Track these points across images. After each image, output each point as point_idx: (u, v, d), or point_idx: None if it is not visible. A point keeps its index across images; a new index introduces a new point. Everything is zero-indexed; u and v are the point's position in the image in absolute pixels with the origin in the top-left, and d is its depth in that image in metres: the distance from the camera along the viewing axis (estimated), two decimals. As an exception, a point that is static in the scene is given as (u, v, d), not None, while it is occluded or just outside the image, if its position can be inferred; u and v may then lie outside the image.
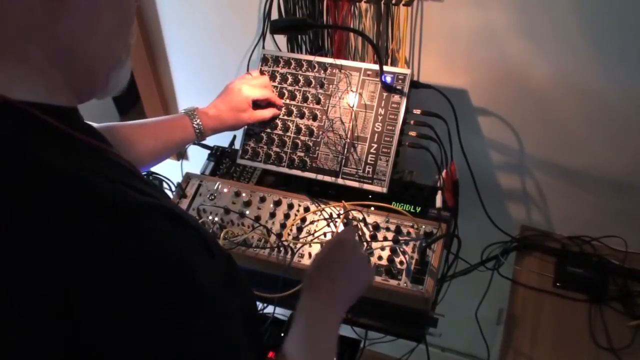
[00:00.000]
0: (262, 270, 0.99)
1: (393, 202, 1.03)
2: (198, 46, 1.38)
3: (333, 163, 1.04)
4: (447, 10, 1.04)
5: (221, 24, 1.31)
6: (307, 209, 1.02)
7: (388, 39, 1.09)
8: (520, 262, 1.23)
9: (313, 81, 1.08)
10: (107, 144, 0.57)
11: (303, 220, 1.01)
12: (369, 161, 1.02)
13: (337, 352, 0.65)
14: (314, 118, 1.07)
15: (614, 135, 1.09)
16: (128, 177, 0.51)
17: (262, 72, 1.10)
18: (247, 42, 1.28)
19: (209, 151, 1.23)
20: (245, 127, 1.09)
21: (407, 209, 1.03)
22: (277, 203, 1.04)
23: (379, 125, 1.02)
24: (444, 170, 1.02)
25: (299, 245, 0.98)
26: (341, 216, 1.01)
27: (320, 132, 1.06)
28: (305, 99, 1.08)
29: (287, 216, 1.02)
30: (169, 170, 1.14)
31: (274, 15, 1.15)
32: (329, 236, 0.99)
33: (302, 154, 1.06)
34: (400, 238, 0.96)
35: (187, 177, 1.11)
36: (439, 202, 1.01)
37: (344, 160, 1.04)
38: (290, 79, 1.09)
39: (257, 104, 1.06)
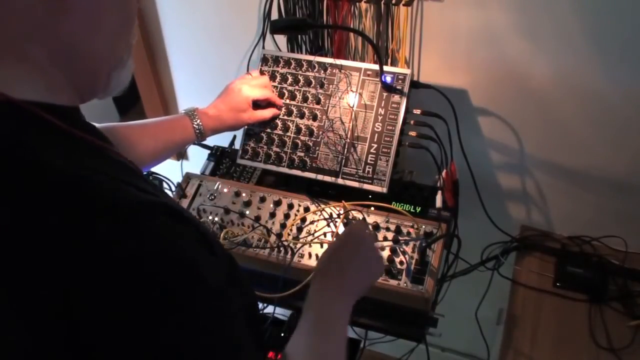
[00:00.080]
0: (262, 270, 0.99)
1: (393, 202, 1.03)
2: (198, 46, 1.38)
3: (333, 163, 1.04)
4: (447, 10, 1.04)
5: (221, 24, 1.31)
6: (307, 209, 1.02)
7: (388, 39, 1.09)
8: (520, 262, 1.23)
9: (313, 81, 1.08)
10: (109, 143, 0.57)
11: (303, 220, 1.01)
12: (369, 161, 1.02)
13: (346, 343, 0.64)
14: (314, 118, 1.07)
15: (614, 135, 1.09)
16: (130, 176, 0.51)
17: (262, 72, 1.10)
18: (247, 42, 1.28)
19: (209, 151, 1.23)
20: (245, 127, 1.09)
21: (407, 209, 1.03)
22: (277, 203, 1.04)
23: (379, 125, 1.02)
24: (444, 170, 1.02)
25: (299, 245, 0.98)
26: (341, 216, 1.01)
27: (320, 132, 1.06)
28: (305, 99, 1.08)
29: (287, 216, 1.02)
30: (169, 170, 1.14)
31: (274, 15, 1.15)
32: (329, 236, 0.99)
33: (302, 154, 1.06)
34: (400, 238, 0.96)
35: (187, 177, 1.11)
36: (439, 202, 1.01)
37: (344, 160, 1.04)
38: (290, 79, 1.09)
39: (257, 104, 1.06)
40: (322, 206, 1.02)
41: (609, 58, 0.99)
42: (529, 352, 1.06)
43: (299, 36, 1.16)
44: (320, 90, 1.07)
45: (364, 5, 1.06)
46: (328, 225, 1.00)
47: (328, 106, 1.06)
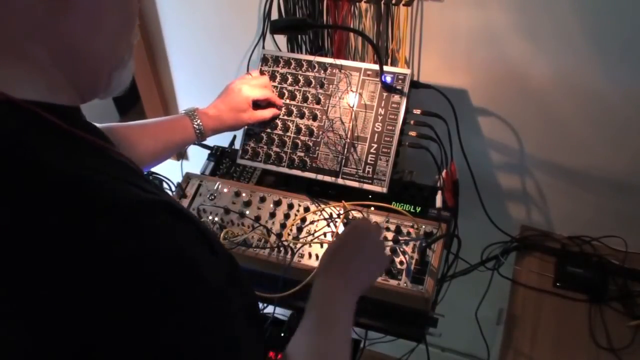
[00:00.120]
0: (262, 270, 0.99)
1: (393, 202, 1.03)
2: (198, 46, 1.39)
3: (333, 163, 1.04)
4: (447, 10, 1.04)
5: (221, 24, 1.31)
6: (307, 209, 1.02)
7: (388, 39, 1.09)
8: (520, 262, 1.23)
9: (313, 81, 1.08)
10: (110, 143, 0.57)
11: (303, 220, 1.01)
12: (369, 161, 1.02)
13: (350, 339, 0.64)
14: (314, 118, 1.07)
15: (614, 135, 1.09)
16: (131, 176, 0.51)
17: (262, 72, 1.10)
18: (247, 42, 1.28)
19: (209, 151, 1.23)
20: (245, 127, 1.09)
21: (407, 209, 1.03)
22: (277, 203, 1.04)
23: (379, 125, 1.02)
24: (444, 170, 1.02)
25: (299, 245, 0.98)
26: (341, 216, 1.01)
27: (320, 132, 1.06)
28: (305, 99, 1.08)
29: (287, 216, 1.02)
30: (169, 170, 1.14)
31: (274, 15, 1.15)
32: (329, 236, 0.99)
33: (302, 154, 1.06)
34: (400, 238, 0.96)
35: (187, 177, 1.11)
36: (439, 202, 1.01)
37: (344, 160, 1.04)
38: (290, 79, 1.09)
39: (257, 104, 1.06)
40: (322, 206, 1.02)
41: (609, 58, 0.99)
42: (529, 352, 1.06)
43: (299, 36, 1.16)
44: (320, 90, 1.07)
45: (364, 5, 1.06)
46: (328, 225, 1.00)
47: (328, 106, 1.06)
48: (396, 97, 1.02)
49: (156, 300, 0.42)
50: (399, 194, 1.06)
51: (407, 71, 1.02)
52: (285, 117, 1.08)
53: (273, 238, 0.99)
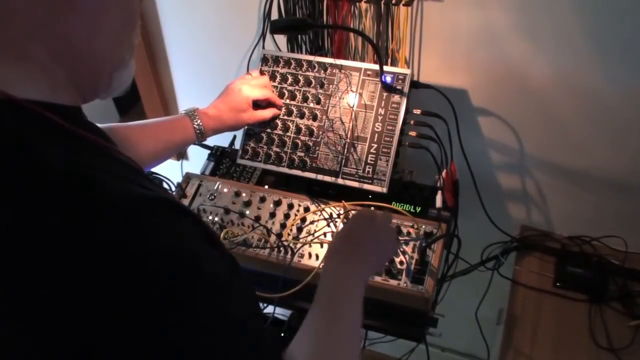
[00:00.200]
0: (262, 270, 0.99)
1: (393, 202, 1.03)
2: (198, 46, 1.39)
3: (333, 163, 1.04)
4: (447, 10, 1.04)
5: (221, 24, 1.31)
6: (307, 209, 1.02)
7: (388, 39, 1.09)
8: (520, 262, 1.23)
9: (313, 81, 1.08)
10: (112, 142, 0.57)
11: (303, 220, 1.01)
12: (369, 161, 1.02)
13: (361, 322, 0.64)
14: (314, 118, 1.07)
15: (614, 135, 1.09)
16: (133, 175, 0.51)
17: (262, 72, 1.10)
18: (247, 42, 1.28)
19: (209, 151, 1.23)
20: (246, 127, 1.09)
21: (407, 209, 1.03)
22: (277, 203, 1.04)
23: (379, 125, 1.02)
24: (444, 170, 1.02)
25: (299, 245, 0.98)
26: (341, 216, 1.01)
27: (320, 132, 1.06)
28: (305, 99, 1.08)
29: (287, 216, 1.02)
30: (169, 170, 1.14)
31: (274, 15, 1.15)
32: (329, 236, 0.99)
33: (302, 154, 1.06)
34: (400, 238, 0.96)
35: (187, 177, 1.11)
36: (439, 202, 1.01)
37: (344, 160, 1.04)
38: (290, 79, 1.09)
39: (257, 104, 1.06)
40: (322, 206, 1.02)
41: (609, 58, 0.99)
42: (529, 352, 1.06)
43: (299, 36, 1.16)
44: (320, 90, 1.07)
45: (364, 5, 1.06)
46: (328, 225, 1.00)
47: (328, 106, 1.06)
48: (396, 97, 1.02)
49: (156, 299, 0.42)
50: (399, 194, 1.06)
51: (407, 71, 1.02)
52: (285, 117, 1.09)
53: (273, 238, 0.99)
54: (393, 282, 0.92)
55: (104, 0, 0.50)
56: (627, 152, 1.10)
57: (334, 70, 1.07)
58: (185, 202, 1.07)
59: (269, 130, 1.09)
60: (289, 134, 1.08)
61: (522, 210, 1.31)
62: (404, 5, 1.02)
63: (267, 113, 1.07)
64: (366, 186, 1.02)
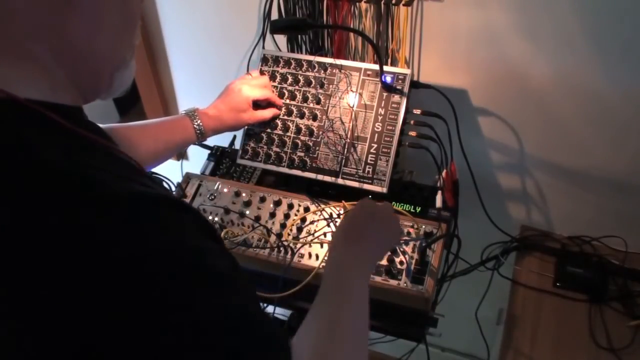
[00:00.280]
0: (262, 270, 0.99)
1: (393, 202, 1.03)
2: (198, 46, 1.39)
3: (333, 163, 1.04)
4: (447, 10, 1.04)
5: (221, 24, 1.31)
6: (307, 209, 1.02)
7: (388, 39, 1.09)
8: (520, 262, 1.23)
9: (313, 81, 1.08)
10: (112, 142, 0.57)
11: (303, 220, 1.01)
12: (369, 161, 1.02)
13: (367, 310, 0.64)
14: (314, 118, 1.07)
15: (614, 135, 1.09)
16: (134, 174, 0.51)
17: (262, 72, 1.10)
18: (247, 42, 1.28)
19: (209, 151, 1.23)
20: (246, 127, 1.09)
21: (407, 209, 1.03)
22: (277, 203, 1.04)
23: (379, 125, 1.02)
24: (444, 170, 1.02)
25: (299, 245, 0.98)
26: (341, 216, 1.01)
27: (320, 132, 1.06)
28: (305, 99, 1.08)
29: (287, 216, 1.02)
30: (169, 170, 1.14)
31: (274, 15, 1.15)
32: (329, 236, 0.99)
33: (302, 154, 1.06)
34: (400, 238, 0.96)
35: (187, 177, 1.11)
36: (439, 202, 1.01)
37: (344, 160, 1.04)
38: (290, 79, 1.09)
39: (257, 104, 1.06)
40: (322, 206, 1.02)
41: (609, 58, 0.99)
42: (529, 352, 1.06)
43: (299, 36, 1.16)
44: (320, 90, 1.07)
45: (364, 5, 1.06)
46: (328, 225, 1.00)
47: (328, 106, 1.06)
48: (396, 97, 1.02)
49: (157, 299, 0.41)
50: (399, 194, 1.06)
51: (407, 71, 1.02)
52: (285, 117, 1.09)
53: (273, 238, 0.99)
54: (393, 282, 0.92)
55: (104, 0, 0.50)
56: (627, 152, 1.11)
57: (334, 70, 1.07)
58: (186, 202, 1.07)
59: (269, 130, 1.09)
60: (289, 134, 1.08)
61: (522, 210, 1.31)
62: (404, 5, 1.02)
63: (267, 113, 1.07)
64: (366, 186, 1.02)
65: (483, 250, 1.25)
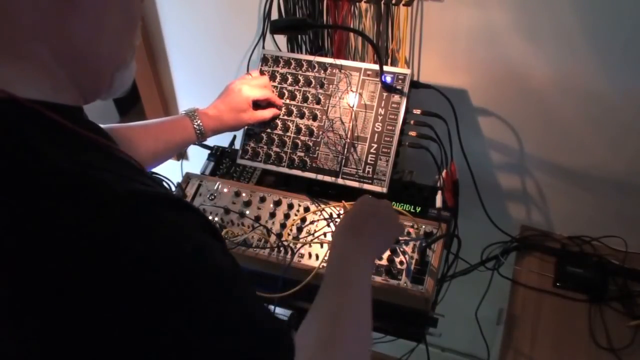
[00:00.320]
0: (262, 270, 0.99)
1: (393, 202, 1.03)
2: (198, 46, 1.39)
3: (333, 163, 1.04)
4: (447, 10, 1.04)
5: (221, 24, 1.31)
6: (307, 209, 1.02)
7: (388, 39, 1.09)
8: (520, 262, 1.23)
9: (313, 81, 1.08)
10: (113, 142, 0.57)
11: (303, 220, 1.01)
12: (369, 161, 1.02)
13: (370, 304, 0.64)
14: (314, 118, 1.07)
15: (614, 136, 1.09)
16: (135, 174, 0.51)
17: (262, 72, 1.10)
18: (247, 42, 1.28)
19: (209, 151, 1.23)
20: (246, 127, 1.09)
21: (407, 209, 1.03)
22: (277, 203, 1.04)
23: (379, 125, 1.02)
24: (444, 170, 1.02)
25: (299, 245, 0.98)
26: (341, 216, 1.01)
27: (320, 132, 1.06)
28: (305, 99, 1.08)
29: (287, 216, 1.02)
30: (169, 170, 1.14)
31: (274, 15, 1.15)
32: (329, 236, 0.99)
33: (302, 154, 1.06)
34: (400, 238, 0.96)
35: (187, 177, 1.11)
36: (439, 202, 1.01)
37: (344, 160, 1.04)
38: (290, 79, 1.09)
39: (257, 104, 1.06)
40: (322, 206, 1.02)
41: (609, 58, 0.99)
42: (529, 352, 1.06)
43: (299, 36, 1.16)
44: (320, 90, 1.07)
45: (364, 5, 1.06)
46: (328, 225, 1.00)
47: (328, 106, 1.06)
48: (396, 97, 1.02)
49: (159, 299, 0.42)
50: (399, 194, 1.06)
51: (407, 71, 1.02)
52: (285, 117, 1.09)
53: (273, 238, 0.99)
54: (393, 282, 0.92)
55: (105, 0, 0.50)
56: (627, 152, 1.11)
57: (334, 70, 1.07)
58: (186, 200, 1.06)
59: (269, 130, 1.09)
60: (289, 134, 1.08)
61: (522, 210, 1.31)
62: (404, 5, 1.02)
63: (267, 113, 1.07)
64: (366, 186, 1.02)
65: (483, 250, 1.25)
